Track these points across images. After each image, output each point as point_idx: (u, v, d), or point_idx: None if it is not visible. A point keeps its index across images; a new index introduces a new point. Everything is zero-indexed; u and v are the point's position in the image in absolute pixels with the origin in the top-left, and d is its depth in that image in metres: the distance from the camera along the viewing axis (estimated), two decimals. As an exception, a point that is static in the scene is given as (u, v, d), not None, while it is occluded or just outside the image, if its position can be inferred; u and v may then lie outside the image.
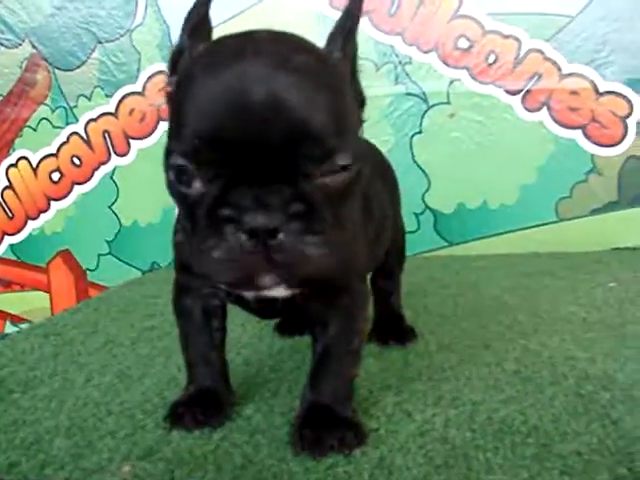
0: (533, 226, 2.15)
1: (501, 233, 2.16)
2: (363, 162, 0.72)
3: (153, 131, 2.27)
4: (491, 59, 2.09)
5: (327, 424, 0.85)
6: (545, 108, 2.08)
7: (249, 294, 0.89)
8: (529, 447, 0.82)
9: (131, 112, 2.27)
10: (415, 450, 0.82)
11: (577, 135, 2.08)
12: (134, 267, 2.33)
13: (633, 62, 2.04)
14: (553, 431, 0.86)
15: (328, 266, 0.67)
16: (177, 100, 0.72)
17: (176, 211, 0.86)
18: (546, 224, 2.14)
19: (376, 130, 2.10)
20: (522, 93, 2.09)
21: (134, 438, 0.90)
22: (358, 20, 0.79)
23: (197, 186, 0.68)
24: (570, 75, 2.06)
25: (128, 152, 2.29)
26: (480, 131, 2.13)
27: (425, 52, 2.12)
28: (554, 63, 2.06)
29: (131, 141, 2.29)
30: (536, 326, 1.31)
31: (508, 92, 2.10)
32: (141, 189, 2.29)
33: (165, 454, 0.85)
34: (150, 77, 2.25)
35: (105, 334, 1.42)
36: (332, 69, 0.72)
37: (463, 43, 2.10)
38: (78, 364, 1.23)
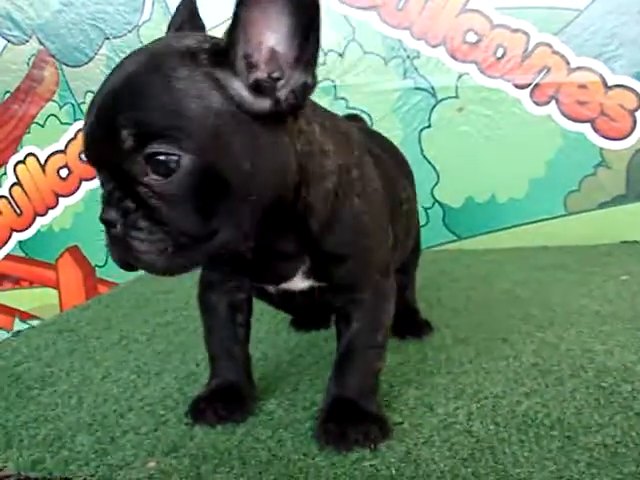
0: (542, 220, 2.15)
1: (510, 227, 2.16)
2: (227, 151, 0.69)
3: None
4: (499, 53, 2.09)
5: (352, 418, 0.85)
6: (554, 102, 2.08)
7: (271, 287, 0.89)
8: (554, 440, 0.82)
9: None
10: (440, 443, 0.83)
11: (586, 129, 2.08)
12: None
13: (640, 55, 2.03)
14: (576, 424, 0.86)
15: (159, 261, 0.70)
16: None
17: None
18: (555, 218, 2.14)
19: (385, 124, 2.09)
20: (530, 87, 2.09)
21: (157, 434, 0.90)
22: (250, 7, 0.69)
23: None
24: (578, 69, 2.05)
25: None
26: (489, 125, 2.13)
27: (433, 46, 2.12)
28: (562, 57, 2.06)
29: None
30: (551, 319, 1.31)
31: (516, 86, 2.09)
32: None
33: (189, 449, 0.85)
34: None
35: (119, 330, 1.42)
36: (168, 70, 0.69)
37: (471, 37, 2.10)
38: (94, 360, 1.23)
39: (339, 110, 2.17)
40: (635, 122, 2.05)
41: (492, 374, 1.04)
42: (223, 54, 0.70)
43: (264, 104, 0.71)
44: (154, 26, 2.23)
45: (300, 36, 0.69)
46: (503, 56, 2.09)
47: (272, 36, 0.69)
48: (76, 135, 2.33)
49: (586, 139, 2.08)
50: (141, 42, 2.23)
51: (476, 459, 0.78)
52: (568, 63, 2.06)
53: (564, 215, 2.14)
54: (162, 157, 0.67)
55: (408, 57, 2.14)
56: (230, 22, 0.70)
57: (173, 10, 2.13)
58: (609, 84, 2.05)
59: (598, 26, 2.04)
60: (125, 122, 0.67)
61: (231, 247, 0.74)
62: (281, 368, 1.13)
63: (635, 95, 2.04)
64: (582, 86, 2.06)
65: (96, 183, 2.32)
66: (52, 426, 0.94)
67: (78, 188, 2.36)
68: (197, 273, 1.96)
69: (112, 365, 1.19)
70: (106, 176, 0.72)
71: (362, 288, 0.90)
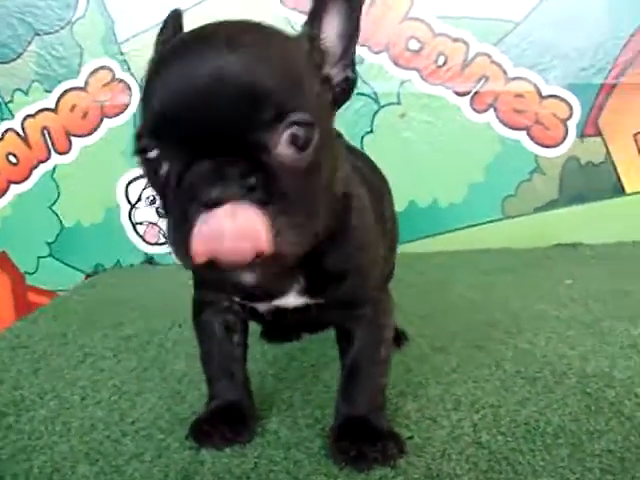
0: (481, 223, 2.21)
1: (450, 230, 2.22)
2: (330, 140, 0.73)
3: (96, 128, 2.18)
4: (440, 61, 2.14)
5: (366, 436, 0.85)
6: (492, 110, 2.15)
7: (262, 306, 0.88)
8: (562, 448, 0.86)
9: (72, 108, 2.17)
10: (456, 457, 0.84)
11: (522, 136, 2.16)
12: (76, 269, 2.23)
13: (573, 67, 2.13)
14: (578, 430, 0.90)
15: (291, 240, 0.64)
16: (143, 91, 0.73)
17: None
18: (493, 221, 2.21)
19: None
20: (470, 95, 2.15)
21: (163, 460, 0.87)
22: (324, 6, 0.77)
23: (164, 168, 0.68)
24: (515, 79, 2.13)
25: (70, 150, 2.19)
26: (430, 131, 2.17)
27: (376, 53, 2.14)
28: (500, 67, 2.13)
29: (73, 139, 2.19)
30: (517, 325, 1.36)
31: (457, 94, 2.15)
32: (84, 188, 2.20)
33: (204, 476, 0.83)
34: (93, 72, 2.15)
35: (79, 346, 1.36)
36: (282, 44, 0.72)
37: (414, 45, 2.13)
38: (65, 380, 1.17)
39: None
40: (567, 131, 2.15)
41: (481, 383, 1.07)
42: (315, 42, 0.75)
43: (330, 96, 0.75)
44: (89, 23, 2.14)
45: (348, 36, 0.75)
46: (444, 64, 2.14)
47: (332, 33, 0.76)
48: (3, 135, 2.21)
49: (522, 146, 2.16)
50: (75, 39, 2.14)
51: (496, 471, 0.80)
52: (505, 73, 2.13)
53: (502, 219, 2.21)
54: (301, 129, 0.65)
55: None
56: (310, 14, 0.77)
57: (109, 7, 2.06)
58: (544, 94, 2.13)
59: (534, 38, 2.12)
60: (267, 90, 0.64)
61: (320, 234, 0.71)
62: (269, 383, 1.12)
63: (567, 105, 2.14)
64: (519, 95, 2.14)
65: (26, 186, 2.22)
66: (45, 457, 0.89)
67: (6, 191, 2.23)
68: (136, 283, 1.91)
69: (87, 385, 1.14)
70: (215, 149, 0.64)
71: (361, 304, 0.89)
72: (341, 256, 0.83)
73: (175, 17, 0.90)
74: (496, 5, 2.11)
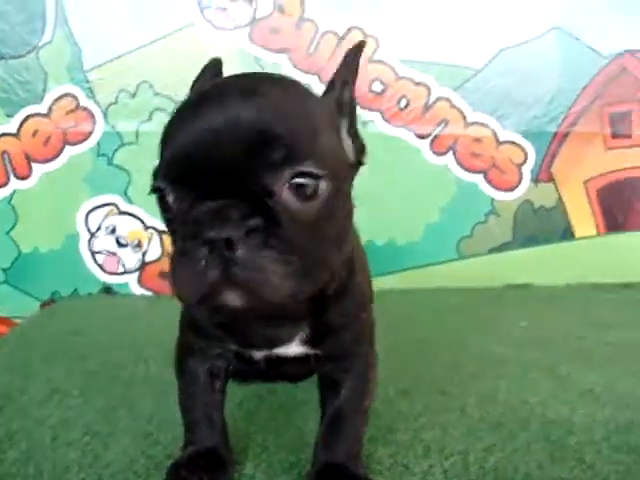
0: (436, 263, 2.27)
1: (407, 269, 2.27)
2: (344, 199, 0.75)
3: (58, 155, 2.16)
4: (403, 103, 2.20)
5: (344, 482, 0.87)
6: (451, 152, 2.22)
7: (260, 353, 0.90)
8: (530, 496, 0.89)
9: (35, 134, 2.15)
10: (430, 505, 0.87)
11: (479, 179, 2.24)
12: (32, 296, 2.19)
13: (528, 115, 2.23)
14: (543, 477, 0.94)
15: (287, 286, 0.65)
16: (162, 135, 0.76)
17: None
18: (448, 261, 2.28)
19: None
20: (430, 137, 2.22)
21: (142, 505, 0.87)
22: (355, 69, 0.84)
23: (175, 207, 0.70)
24: (474, 123, 2.21)
25: (30, 175, 2.17)
26: (390, 171, 2.22)
27: (340, 93, 2.19)
28: (460, 111, 2.21)
29: (33, 164, 2.16)
30: (478, 368, 1.40)
31: (418, 136, 2.22)
32: (42, 215, 2.17)
33: (185, 523, 0.83)
34: (57, 99, 2.14)
35: (44, 381, 1.34)
36: (306, 99, 0.76)
37: (377, 86, 2.20)
38: (34, 419, 1.15)
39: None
40: (522, 175, 2.24)
41: (448, 429, 1.10)
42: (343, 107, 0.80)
43: (350, 158, 0.80)
44: (55, 49, 2.13)
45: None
46: (406, 106, 2.21)
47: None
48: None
49: (479, 189, 2.24)
50: (40, 65, 2.13)
51: (470, 520, 0.84)
52: (465, 117, 2.21)
53: (457, 259, 2.28)
54: (307, 179, 0.67)
55: (316, 101, 2.20)
56: (337, 76, 0.81)
57: (76, 34, 2.07)
58: (500, 139, 2.22)
59: (492, 85, 2.21)
60: (277, 134, 0.65)
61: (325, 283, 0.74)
62: (239, 425, 1.12)
63: (522, 151, 2.23)
64: (477, 140, 2.22)
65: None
66: (20, 501, 0.88)
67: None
68: (96, 314, 1.88)
69: (56, 424, 1.12)
70: (221, 190, 0.65)
71: (354, 357, 0.92)
72: (344, 310, 0.86)
73: (214, 65, 0.93)
74: (458, 52, 2.19)
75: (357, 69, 0.84)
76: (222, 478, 0.92)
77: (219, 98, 0.69)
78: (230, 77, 0.80)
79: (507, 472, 0.95)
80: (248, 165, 0.65)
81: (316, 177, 0.68)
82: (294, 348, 0.87)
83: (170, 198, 0.70)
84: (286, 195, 0.67)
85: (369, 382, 0.94)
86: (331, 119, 0.77)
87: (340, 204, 0.73)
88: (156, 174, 0.71)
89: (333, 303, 0.84)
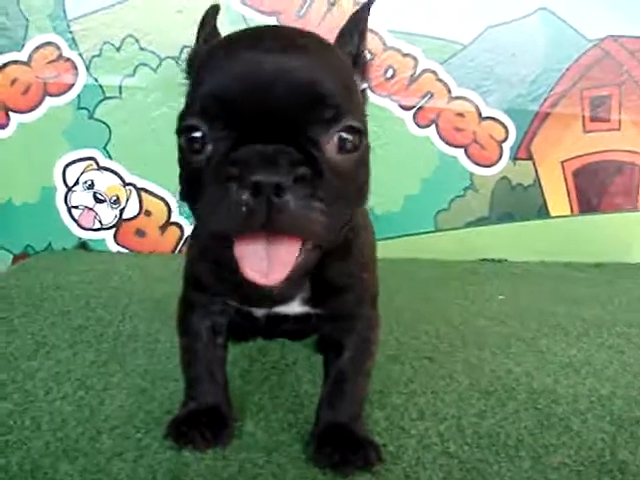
0: (413, 234, 2.30)
1: (384, 239, 2.29)
2: (368, 150, 0.77)
3: (37, 106, 2.10)
4: (389, 74, 2.20)
5: (348, 443, 0.89)
6: (434, 125, 2.24)
7: (261, 311, 0.90)
8: (524, 460, 0.93)
9: (13, 82, 2.09)
10: (429, 465, 0.89)
11: (459, 153, 2.26)
12: (4, 249, 2.15)
13: (512, 93, 2.26)
14: (534, 444, 0.97)
15: (325, 235, 0.68)
16: (195, 79, 0.76)
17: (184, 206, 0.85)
18: (425, 233, 2.30)
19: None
20: (414, 109, 2.23)
21: (146, 461, 0.87)
22: (365, 22, 0.86)
23: (208, 149, 0.69)
24: (458, 98, 2.23)
25: (7, 125, 2.10)
26: (372, 141, 2.22)
27: (328, 59, 2.18)
28: (445, 85, 2.22)
29: (11, 114, 2.11)
30: (462, 339, 1.43)
31: (402, 107, 2.22)
32: (19, 166, 2.12)
33: (192, 479, 0.84)
34: (38, 47, 2.08)
35: (29, 334, 1.32)
36: (337, 53, 0.78)
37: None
38: (24, 372, 1.14)
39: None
40: (502, 152, 2.27)
41: (439, 394, 1.13)
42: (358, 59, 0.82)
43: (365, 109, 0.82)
44: None
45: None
46: (392, 77, 2.21)
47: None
48: None
49: (459, 163, 2.27)
50: (21, 11, 2.06)
51: (469, 481, 0.87)
52: (449, 91, 2.23)
53: (434, 231, 2.31)
54: (351, 135, 0.69)
55: (302, 66, 2.19)
56: (343, 31, 0.83)
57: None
58: (483, 115, 2.24)
59: (478, 62, 2.23)
60: (331, 92, 0.68)
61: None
62: (236, 385, 1.13)
63: (504, 128, 2.26)
64: (460, 114, 2.24)
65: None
66: (21, 452, 0.87)
67: None
68: (73, 269, 1.86)
69: (47, 378, 1.11)
70: (269, 136, 0.65)
71: (356, 318, 0.93)
72: (346, 270, 0.87)
73: (213, 14, 0.90)
74: (447, 26, 2.20)
75: (366, 25, 0.85)
76: (224, 435, 0.93)
77: (269, 45, 0.69)
78: (262, 26, 0.80)
79: (500, 437, 0.98)
80: (300, 117, 0.66)
81: (357, 131, 0.70)
82: (295, 307, 0.88)
83: (204, 138, 0.69)
84: (331, 148, 0.69)
85: (371, 343, 0.96)
86: (353, 73, 0.80)
87: (368, 157, 0.76)
88: (189, 112, 0.70)
89: (336, 262, 0.84)
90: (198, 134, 0.69)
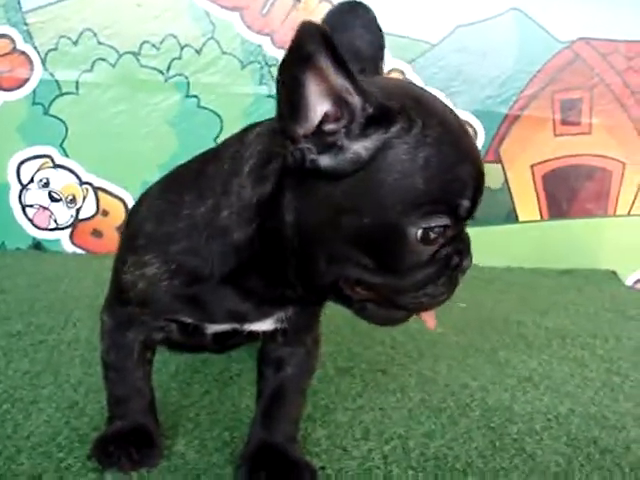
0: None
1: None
2: None
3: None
4: (356, 73, 2.15)
5: (282, 466, 0.84)
6: (401, 127, 2.18)
7: (217, 327, 0.83)
8: (471, 485, 0.88)
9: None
10: (369, 491, 0.84)
11: (428, 156, 2.21)
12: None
13: (481, 94, 2.21)
14: (484, 467, 0.92)
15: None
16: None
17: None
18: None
19: (235, 128, 2.05)
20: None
21: (63, 483, 0.81)
22: None
23: (439, 240, 0.69)
24: (426, 99, 2.18)
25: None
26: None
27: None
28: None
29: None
30: (418, 349, 1.38)
31: (369, 107, 2.16)
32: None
33: (111, 503, 0.78)
34: (-10, 40, 2.01)
35: (-37, 340, 1.26)
36: None
37: (331, 54, 2.13)
38: (-52, 381, 1.08)
39: (190, 109, 2.10)
40: (470, 155, 2.22)
41: (388, 411, 1.08)
42: None
43: None
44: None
45: None
46: (359, 77, 2.15)
47: None
48: None
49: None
50: (-27, 2, 1.98)
51: (408, 510, 0.81)
52: (417, 92, 2.17)
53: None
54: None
55: (267, 64, 2.13)
56: None
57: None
58: (452, 117, 2.19)
59: (447, 62, 2.18)
60: None
61: None
62: (173, 398, 1.07)
63: (472, 130, 2.21)
64: (427, 116, 2.18)
65: None
66: None
67: None
68: (23, 271, 1.78)
69: (-26, 389, 1.06)
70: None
71: (307, 334, 0.89)
72: None
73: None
74: (414, 25, 2.15)
75: None
76: (152, 455, 0.87)
77: (467, 135, 0.73)
78: (442, 104, 0.73)
79: (448, 460, 0.94)
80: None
81: None
82: (268, 324, 0.82)
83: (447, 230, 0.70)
84: None
85: (315, 359, 0.91)
86: None
87: None
88: (435, 210, 0.67)
89: None
90: (442, 222, 0.68)
